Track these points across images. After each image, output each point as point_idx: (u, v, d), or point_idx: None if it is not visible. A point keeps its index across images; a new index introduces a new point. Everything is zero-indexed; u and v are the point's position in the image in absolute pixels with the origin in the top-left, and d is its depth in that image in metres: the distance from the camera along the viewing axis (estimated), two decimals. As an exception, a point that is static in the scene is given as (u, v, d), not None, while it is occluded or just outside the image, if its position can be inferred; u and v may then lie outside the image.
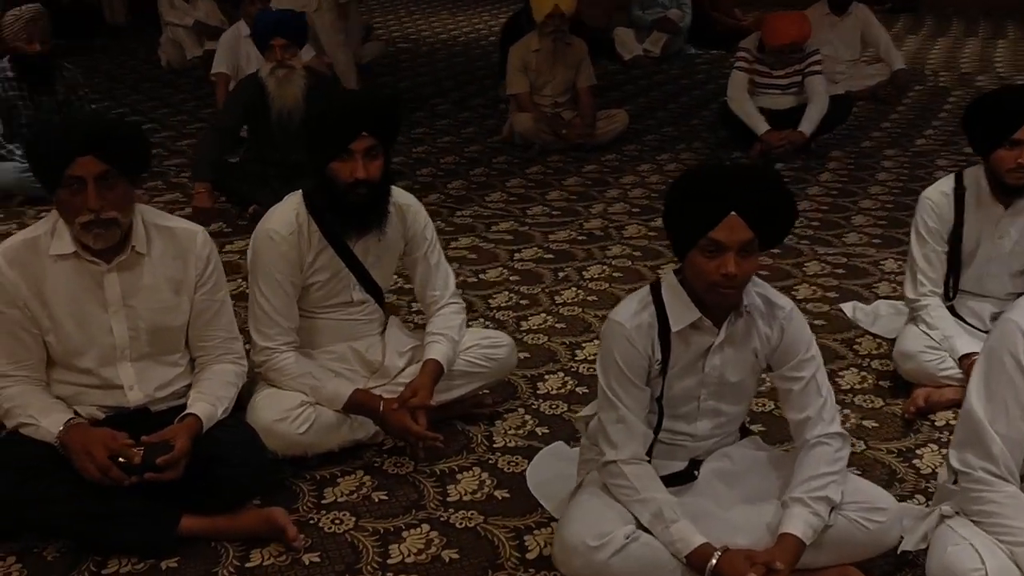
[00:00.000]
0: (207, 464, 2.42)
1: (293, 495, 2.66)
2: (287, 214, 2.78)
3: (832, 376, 3.30)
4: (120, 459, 2.33)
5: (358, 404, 2.74)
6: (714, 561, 2.08)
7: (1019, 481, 2.05)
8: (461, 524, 2.53)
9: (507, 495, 2.66)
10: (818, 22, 7.65)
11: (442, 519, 2.55)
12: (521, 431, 2.99)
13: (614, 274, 4.22)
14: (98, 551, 2.39)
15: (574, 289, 4.04)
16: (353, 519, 2.56)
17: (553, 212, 5.10)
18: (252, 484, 2.54)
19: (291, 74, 4.75)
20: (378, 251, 2.89)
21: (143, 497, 2.37)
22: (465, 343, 2.97)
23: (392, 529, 2.52)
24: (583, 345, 3.52)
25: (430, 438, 2.72)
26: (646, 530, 2.17)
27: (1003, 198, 3.11)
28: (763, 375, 2.41)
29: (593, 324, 3.69)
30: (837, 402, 3.02)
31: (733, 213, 2.07)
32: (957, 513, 2.10)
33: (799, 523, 2.14)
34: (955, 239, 3.20)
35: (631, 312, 2.25)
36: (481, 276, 4.22)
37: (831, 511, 2.19)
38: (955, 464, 2.10)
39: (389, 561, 2.40)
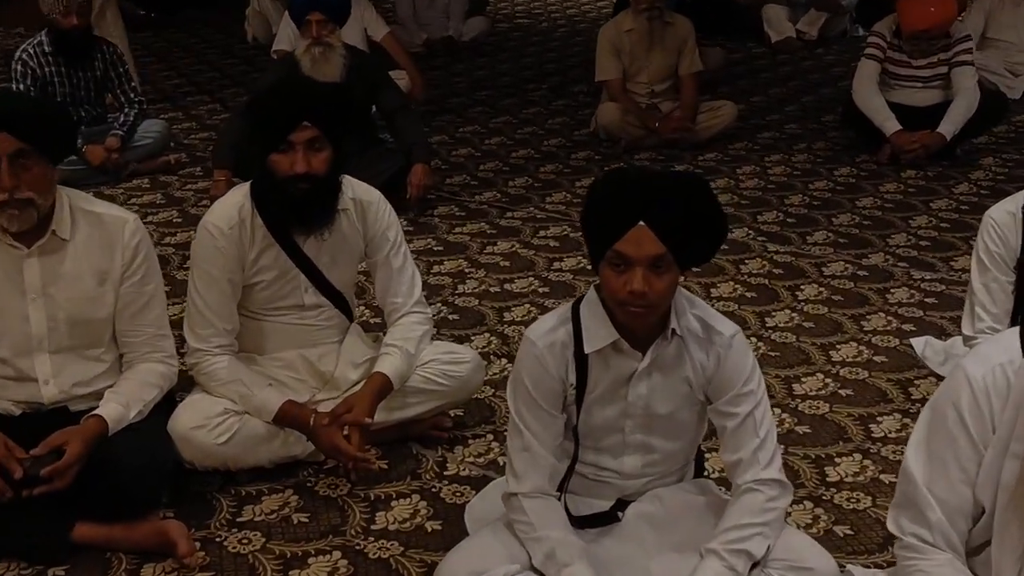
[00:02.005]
0: (103, 470, 2.62)
1: (211, 509, 2.86)
2: (229, 207, 2.97)
3: (868, 421, 3.30)
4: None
5: (288, 416, 2.92)
6: None
7: (961, 552, 2.03)
8: (375, 554, 2.67)
9: (438, 527, 2.78)
10: (997, 2, 7.47)
11: (357, 547, 2.69)
12: (481, 459, 3.11)
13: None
14: (-11, 556, 2.63)
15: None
16: (263, 540, 2.73)
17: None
18: (150, 494, 2.73)
19: (328, 53, 5.01)
20: (333, 251, 3.05)
21: (37, 500, 2.59)
22: (424, 357, 3.11)
23: (300, 554, 2.68)
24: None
25: (360, 459, 2.87)
26: (539, 572, 2.26)
27: None
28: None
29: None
30: (862, 450, 3.10)
31: (641, 224, 2.13)
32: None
33: None
34: (1022, 268, 3.15)
35: (545, 329, 2.33)
36: (507, 286, 4.36)
37: (753, 567, 2.23)
38: (889, 527, 2.10)
39: (286, 589, 2.58)
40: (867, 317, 4.06)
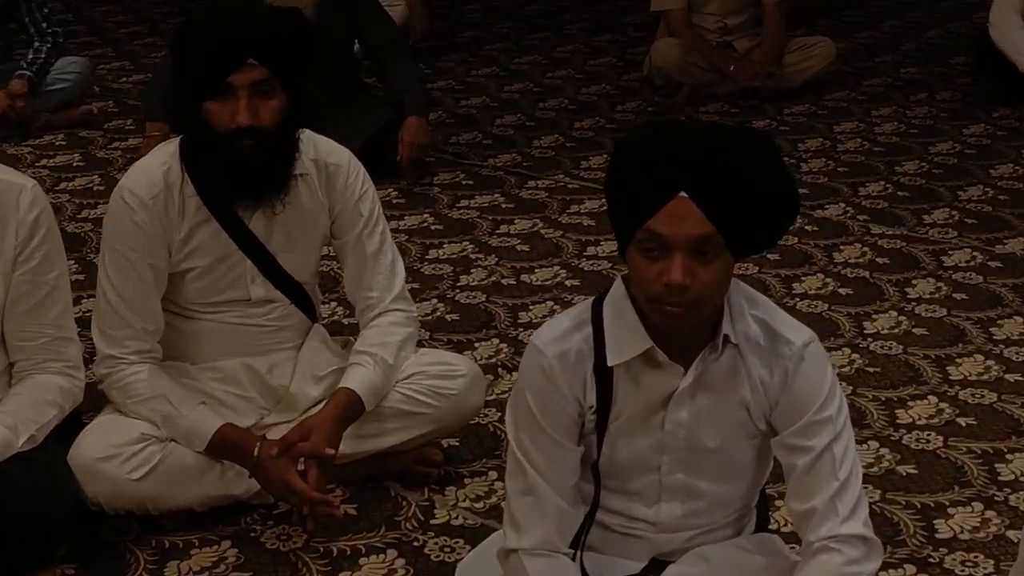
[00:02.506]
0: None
1: (124, 565, 2.86)
2: (152, 170, 2.96)
3: (994, 459, 3.25)
4: None
5: (226, 444, 2.91)
6: None
7: None
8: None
9: (419, 594, 2.79)
10: None
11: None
12: (480, 504, 3.08)
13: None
14: None
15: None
16: (191, 607, 2.75)
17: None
18: (43, 545, 2.74)
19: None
20: (288, 229, 3.04)
21: None
22: (406, 369, 3.09)
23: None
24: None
25: (319, 501, 2.85)
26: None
27: None
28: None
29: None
30: (984, 497, 3.05)
31: (682, 195, 2.09)
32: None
33: None
34: None
35: (557, 333, 2.30)
36: (524, 277, 4.36)
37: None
38: None
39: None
40: (999, 323, 4.01)
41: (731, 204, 2.13)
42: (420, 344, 3.34)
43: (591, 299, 2.35)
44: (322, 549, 2.91)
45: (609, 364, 2.26)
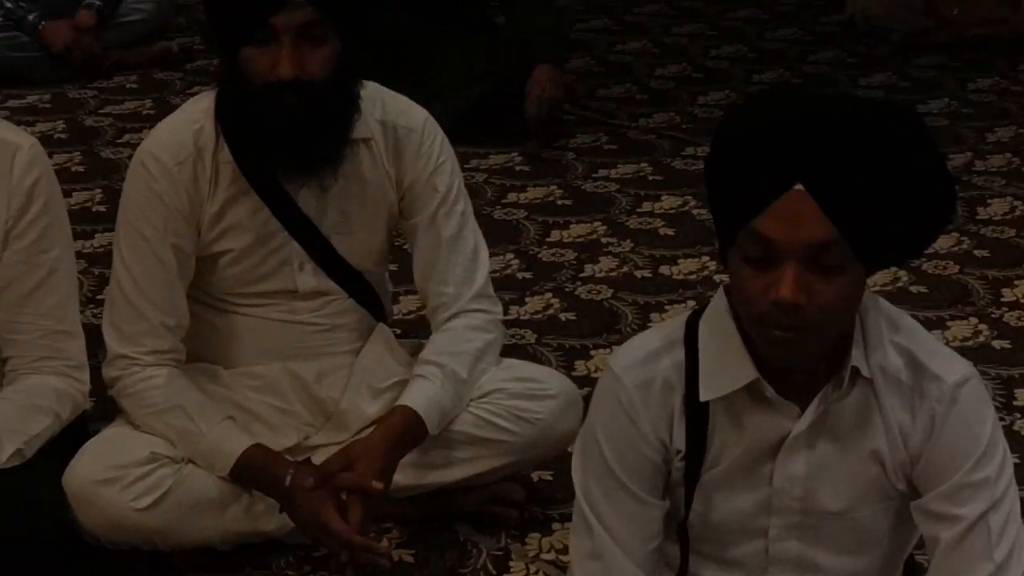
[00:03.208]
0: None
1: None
2: (181, 129, 2.95)
3: None
4: None
5: (253, 469, 2.88)
6: None
7: None
8: None
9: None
10: None
11: None
12: (567, 556, 2.99)
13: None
14: None
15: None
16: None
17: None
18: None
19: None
20: (344, 205, 3.01)
21: None
22: (484, 385, 3.03)
23: None
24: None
25: (360, 546, 2.79)
26: None
27: None
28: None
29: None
30: None
31: (798, 187, 2.00)
32: None
33: None
34: None
35: (639, 357, 2.25)
36: (666, 268, 4.25)
37: None
38: None
39: None
40: None
41: (862, 201, 2.03)
42: (520, 351, 3.24)
43: (685, 315, 2.31)
44: (371, 604, 2.89)
45: (702, 399, 2.23)
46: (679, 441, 2.22)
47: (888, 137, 2.06)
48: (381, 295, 3.20)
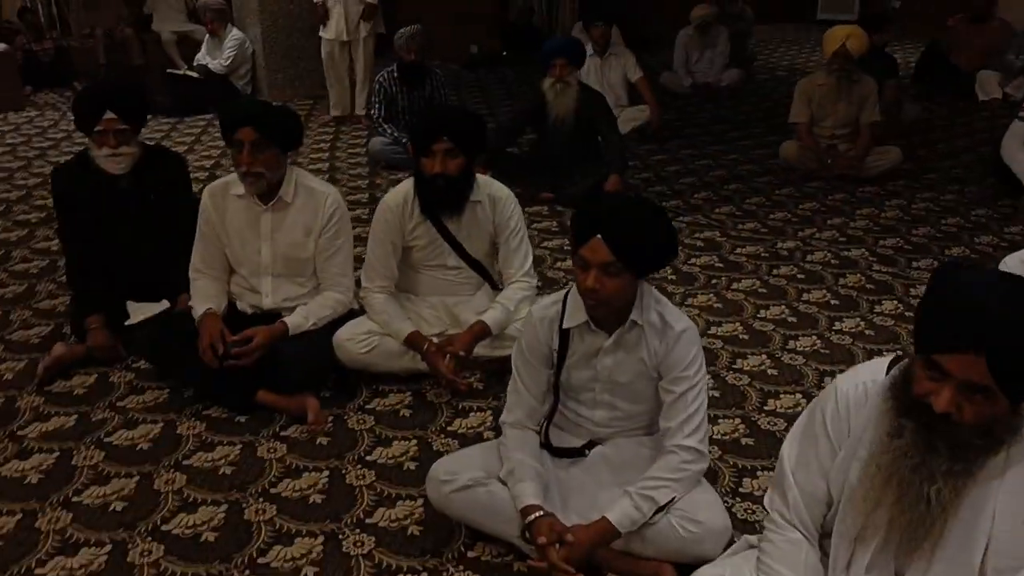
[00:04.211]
0: (277, 358, 2.84)
1: (353, 394, 2.96)
2: (400, 192, 3.03)
3: None
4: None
5: (411, 342, 2.95)
6: (532, 518, 2.07)
7: (812, 532, 1.78)
8: (443, 448, 2.66)
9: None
10: None
11: (426, 440, 2.71)
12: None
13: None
14: (206, 398, 2.89)
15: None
16: (372, 422, 2.80)
17: (743, 230, 4.61)
18: (309, 379, 2.89)
19: (566, 88, 5.00)
20: (469, 229, 3.05)
21: (233, 370, 2.84)
22: (522, 311, 3.02)
23: (386, 436, 2.73)
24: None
25: (449, 380, 2.88)
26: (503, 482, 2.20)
27: None
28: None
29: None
30: None
31: (598, 236, 2.00)
32: (754, 546, 1.88)
33: (616, 511, 2.05)
34: None
35: (544, 304, 2.25)
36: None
37: (657, 511, 2.06)
38: (764, 502, 1.88)
39: (368, 458, 2.63)
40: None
41: (626, 246, 1.99)
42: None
43: (571, 285, 2.21)
44: (456, 404, 2.90)
45: (565, 327, 2.20)
46: (555, 344, 2.21)
47: (641, 220, 2.02)
48: (489, 271, 3.17)
